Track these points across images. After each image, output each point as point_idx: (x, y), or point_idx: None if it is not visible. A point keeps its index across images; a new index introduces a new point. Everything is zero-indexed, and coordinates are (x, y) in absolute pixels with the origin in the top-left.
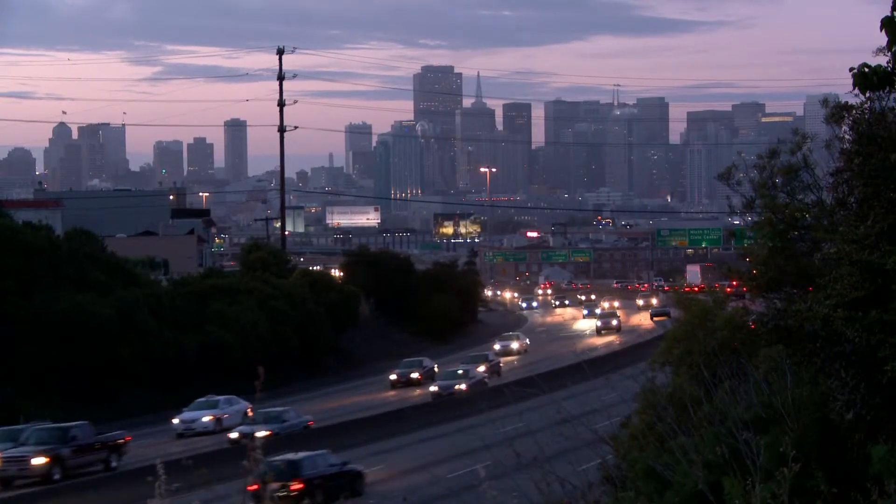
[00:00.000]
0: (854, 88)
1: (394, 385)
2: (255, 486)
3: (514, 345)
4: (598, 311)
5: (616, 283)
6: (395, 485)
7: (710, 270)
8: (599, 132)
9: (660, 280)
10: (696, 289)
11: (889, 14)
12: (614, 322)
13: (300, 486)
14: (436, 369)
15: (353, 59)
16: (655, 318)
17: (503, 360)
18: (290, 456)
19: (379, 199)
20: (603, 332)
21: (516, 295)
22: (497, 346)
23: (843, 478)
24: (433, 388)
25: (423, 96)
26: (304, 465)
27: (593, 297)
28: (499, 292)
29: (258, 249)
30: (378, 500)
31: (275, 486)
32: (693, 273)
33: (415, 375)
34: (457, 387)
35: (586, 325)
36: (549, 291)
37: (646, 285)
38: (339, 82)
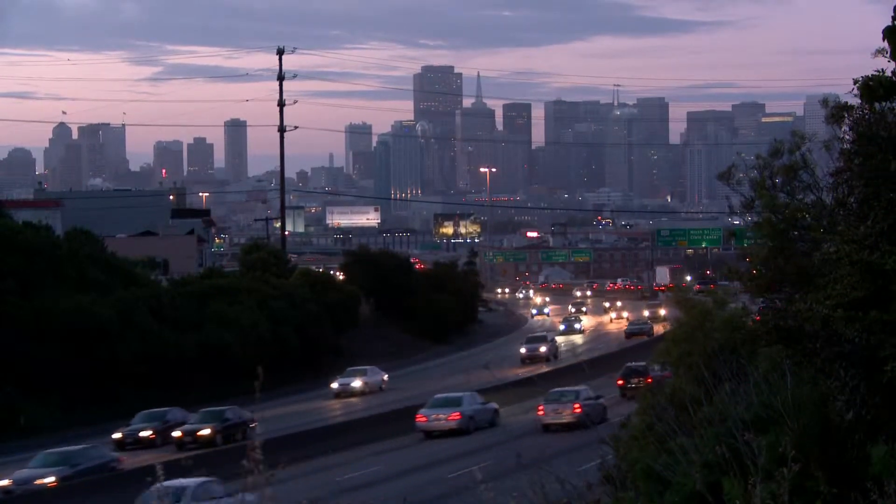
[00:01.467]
0: (857, 96)
1: (120, 446)
2: (621, 381)
3: (357, 383)
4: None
5: (586, 283)
6: (395, 485)
7: (678, 271)
8: (599, 132)
9: (627, 280)
10: (663, 287)
11: (891, 24)
12: (543, 349)
13: (650, 380)
14: (198, 430)
15: (353, 59)
16: (632, 338)
17: (340, 401)
18: (638, 363)
19: (379, 199)
20: (528, 360)
21: (547, 299)
22: (335, 385)
23: (843, 478)
24: (4, 483)
25: (423, 96)
26: (647, 369)
27: (619, 303)
28: (531, 293)
29: (258, 249)
30: (378, 501)
31: (634, 380)
32: (662, 273)
33: (146, 434)
34: (44, 480)
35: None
36: (589, 294)
37: (616, 285)
38: (339, 82)
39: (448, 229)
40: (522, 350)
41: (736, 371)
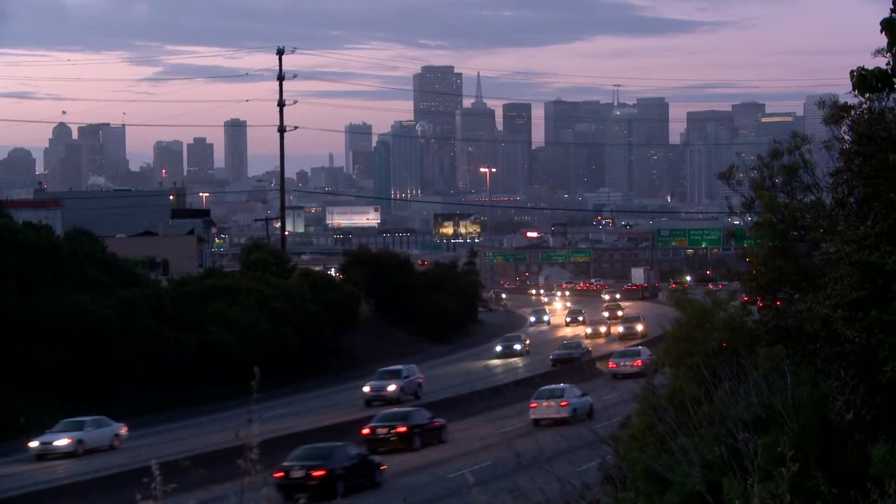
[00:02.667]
0: (853, 91)
1: None
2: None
3: (63, 441)
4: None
5: (565, 283)
6: (395, 485)
7: (652, 272)
8: (599, 132)
9: (600, 280)
10: (636, 286)
11: (889, 16)
12: (391, 388)
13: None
14: None
15: (354, 59)
16: (559, 365)
17: (42, 466)
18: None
19: (379, 199)
20: (374, 402)
21: (568, 304)
22: (34, 444)
23: (843, 478)
24: None
25: (423, 96)
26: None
27: (620, 313)
28: (557, 295)
29: (258, 249)
30: (378, 501)
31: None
32: (637, 273)
33: None
34: None
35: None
36: (619, 296)
37: (587, 285)
38: (339, 82)
39: (448, 229)
40: (366, 389)
41: (736, 371)
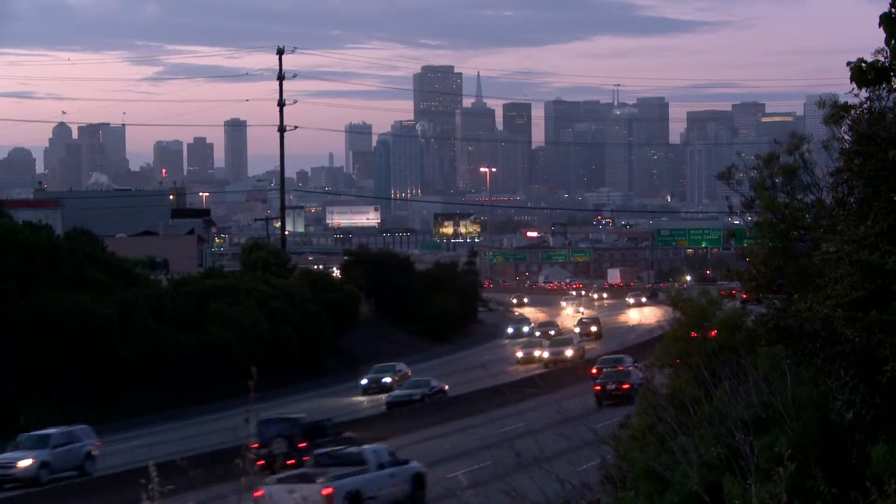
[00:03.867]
0: (851, 83)
1: None
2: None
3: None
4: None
5: (546, 283)
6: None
7: (628, 272)
8: (599, 132)
9: (575, 280)
10: (606, 285)
11: (888, 10)
12: (24, 463)
13: None
14: None
15: (354, 59)
16: (395, 408)
17: None
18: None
19: (379, 199)
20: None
21: (581, 309)
22: None
23: (843, 478)
24: None
25: (424, 96)
26: None
27: (594, 328)
28: (581, 295)
29: (258, 249)
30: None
31: None
32: (612, 274)
33: None
34: None
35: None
36: (644, 299)
37: (555, 284)
38: (339, 82)
39: (448, 229)
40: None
41: (735, 371)
